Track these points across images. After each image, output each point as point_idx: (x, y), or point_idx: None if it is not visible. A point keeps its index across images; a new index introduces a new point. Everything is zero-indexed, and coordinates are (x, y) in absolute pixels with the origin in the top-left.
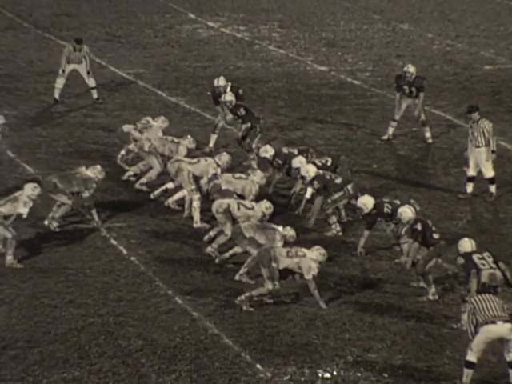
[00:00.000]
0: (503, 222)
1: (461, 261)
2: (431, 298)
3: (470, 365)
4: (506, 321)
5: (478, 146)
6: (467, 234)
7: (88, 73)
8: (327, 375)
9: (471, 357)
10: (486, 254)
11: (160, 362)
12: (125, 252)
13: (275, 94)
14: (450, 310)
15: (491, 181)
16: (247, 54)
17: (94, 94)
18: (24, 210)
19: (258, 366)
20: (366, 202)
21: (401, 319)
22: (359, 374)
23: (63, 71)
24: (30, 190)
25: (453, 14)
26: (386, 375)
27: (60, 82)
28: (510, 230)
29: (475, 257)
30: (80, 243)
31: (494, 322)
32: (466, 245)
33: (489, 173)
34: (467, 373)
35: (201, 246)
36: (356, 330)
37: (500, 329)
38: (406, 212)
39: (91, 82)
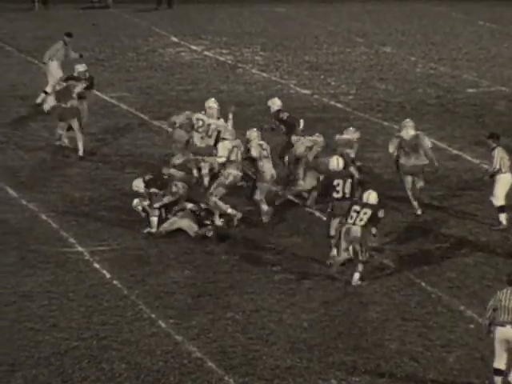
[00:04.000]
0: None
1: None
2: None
3: (496, 372)
4: None
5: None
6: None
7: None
8: None
9: (496, 363)
10: (363, 211)
11: None
12: (108, 276)
13: (258, 117)
14: (433, 334)
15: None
16: (230, 77)
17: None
18: None
19: None
20: None
21: (384, 342)
22: None
23: (44, 63)
24: None
25: (436, 37)
26: None
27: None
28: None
29: (353, 208)
30: (63, 267)
31: (502, 325)
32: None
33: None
34: (496, 380)
35: (184, 269)
36: (340, 353)
37: (507, 334)
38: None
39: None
